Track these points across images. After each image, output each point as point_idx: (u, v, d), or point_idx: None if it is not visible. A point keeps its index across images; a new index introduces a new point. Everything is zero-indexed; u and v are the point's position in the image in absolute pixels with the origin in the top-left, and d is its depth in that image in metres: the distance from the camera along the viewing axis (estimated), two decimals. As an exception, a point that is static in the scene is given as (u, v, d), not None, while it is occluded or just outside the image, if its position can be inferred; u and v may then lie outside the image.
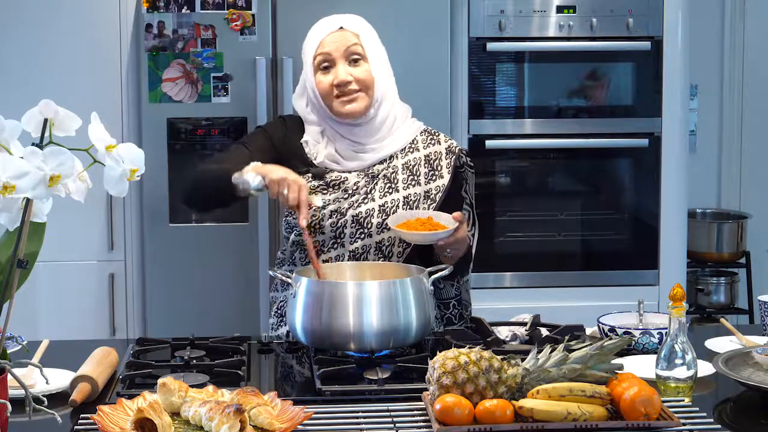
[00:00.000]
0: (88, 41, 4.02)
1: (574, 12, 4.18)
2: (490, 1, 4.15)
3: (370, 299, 2.40)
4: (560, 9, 4.17)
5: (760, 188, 5.10)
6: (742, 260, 4.79)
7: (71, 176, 1.77)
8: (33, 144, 1.77)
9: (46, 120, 1.80)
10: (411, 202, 2.82)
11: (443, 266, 2.58)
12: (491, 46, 4.16)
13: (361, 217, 2.81)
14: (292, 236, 2.84)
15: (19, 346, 2.43)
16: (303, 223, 2.59)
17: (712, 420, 2.05)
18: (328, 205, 2.80)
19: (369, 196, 2.82)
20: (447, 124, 4.05)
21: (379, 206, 2.81)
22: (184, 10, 3.90)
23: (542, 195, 4.32)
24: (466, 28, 4.15)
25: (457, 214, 2.68)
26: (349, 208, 2.81)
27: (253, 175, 2.65)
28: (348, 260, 2.78)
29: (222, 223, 3.99)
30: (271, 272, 2.60)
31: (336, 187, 2.82)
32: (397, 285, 2.43)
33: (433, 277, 2.53)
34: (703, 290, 4.73)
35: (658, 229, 4.26)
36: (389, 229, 2.76)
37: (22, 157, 1.74)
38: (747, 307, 4.77)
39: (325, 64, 2.82)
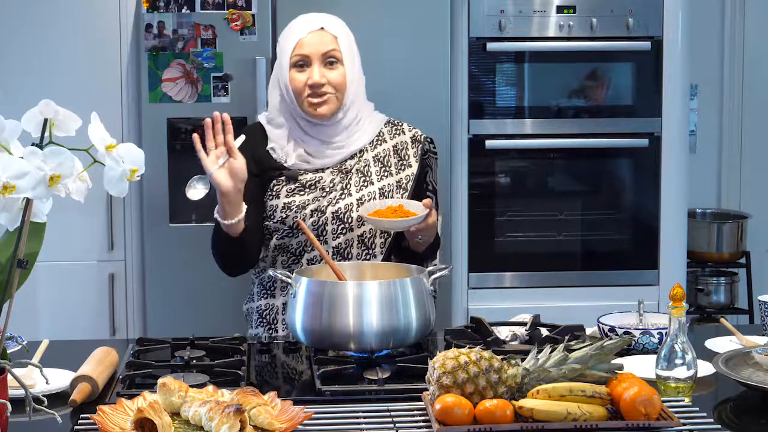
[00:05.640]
0: (88, 41, 4.02)
1: (574, 12, 4.17)
2: (490, 1, 4.14)
3: (370, 299, 2.40)
4: (560, 9, 4.17)
5: (760, 188, 5.09)
6: (742, 260, 4.78)
7: (71, 176, 1.77)
8: (33, 144, 1.77)
9: (46, 120, 1.80)
10: (386, 193, 2.89)
11: (443, 266, 2.59)
12: (491, 46, 4.15)
13: (340, 213, 2.86)
14: (273, 240, 2.87)
15: (19, 346, 2.43)
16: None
17: (712, 420, 2.05)
18: (308, 204, 2.85)
19: (346, 191, 2.88)
20: (447, 124, 4.05)
21: (357, 200, 2.87)
22: (184, 10, 3.90)
23: (542, 195, 4.32)
24: (466, 28, 4.15)
25: (426, 201, 2.75)
26: (328, 205, 2.86)
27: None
28: (331, 257, 2.82)
29: (222, 223, 3.99)
30: (271, 272, 2.60)
31: (312, 187, 2.88)
32: (397, 285, 2.43)
33: (433, 277, 2.53)
34: (703, 290, 4.72)
35: (658, 229, 4.26)
36: (362, 219, 2.82)
37: (22, 157, 1.74)
38: (747, 307, 4.76)
39: (301, 62, 2.88)
